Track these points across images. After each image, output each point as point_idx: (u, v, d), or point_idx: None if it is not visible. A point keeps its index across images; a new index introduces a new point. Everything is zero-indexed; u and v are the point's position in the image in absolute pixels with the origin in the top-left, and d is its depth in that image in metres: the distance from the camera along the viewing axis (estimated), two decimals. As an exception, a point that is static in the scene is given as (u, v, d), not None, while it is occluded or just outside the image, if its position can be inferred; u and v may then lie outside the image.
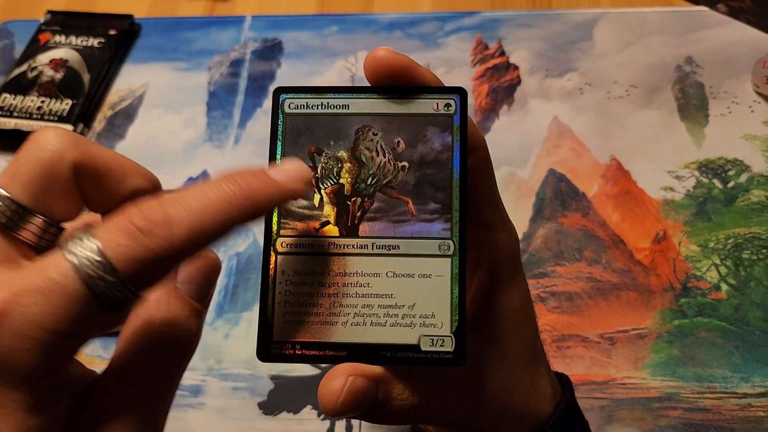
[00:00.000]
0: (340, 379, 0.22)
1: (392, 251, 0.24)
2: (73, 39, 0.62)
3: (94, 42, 0.61)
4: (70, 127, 0.55)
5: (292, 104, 0.25)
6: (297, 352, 0.24)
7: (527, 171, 0.53)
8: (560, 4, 0.63)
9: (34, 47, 0.61)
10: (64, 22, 0.64)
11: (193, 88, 0.60)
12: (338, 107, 0.25)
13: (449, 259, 0.24)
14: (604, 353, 0.44)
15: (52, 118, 0.56)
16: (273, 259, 0.24)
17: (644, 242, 0.49)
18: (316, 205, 0.24)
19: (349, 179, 0.24)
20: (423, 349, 0.23)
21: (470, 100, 0.57)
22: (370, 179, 0.24)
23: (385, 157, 0.25)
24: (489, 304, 0.26)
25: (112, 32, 0.62)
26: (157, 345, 0.20)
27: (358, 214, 0.24)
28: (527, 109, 0.56)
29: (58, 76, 0.59)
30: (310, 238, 0.24)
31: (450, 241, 0.24)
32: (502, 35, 0.61)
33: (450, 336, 0.23)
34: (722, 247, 0.48)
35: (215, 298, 0.48)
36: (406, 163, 0.25)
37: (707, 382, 0.43)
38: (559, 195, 0.51)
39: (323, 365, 0.44)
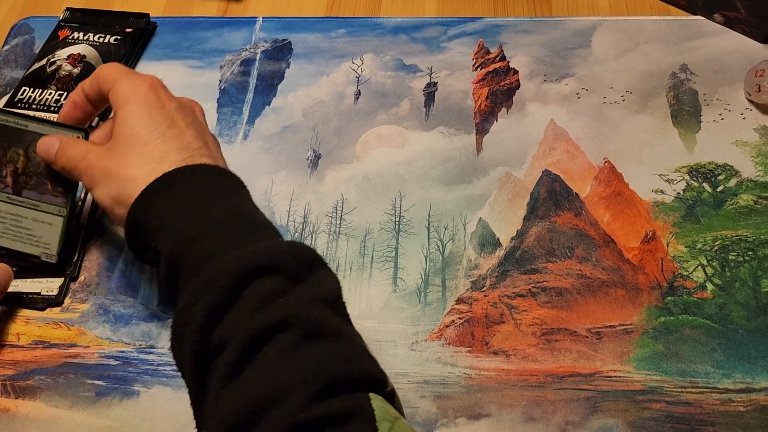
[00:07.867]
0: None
1: (36, 207, 0.49)
2: (90, 36, 0.64)
3: (110, 39, 0.64)
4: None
5: None
6: None
7: (523, 171, 0.55)
8: (560, 11, 0.65)
9: (53, 43, 0.64)
10: (83, 19, 0.66)
11: (204, 85, 0.62)
12: (22, 125, 0.49)
13: (62, 218, 0.49)
14: (591, 347, 0.46)
15: (69, 111, 0.58)
16: None
17: (634, 242, 0.50)
18: (5, 176, 0.49)
19: (21, 166, 0.49)
20: (42, 259, 0.50)
21: (470, 102, 0.59)
22: (32, 167, 0.48)
23: (38, 157, 0.48)
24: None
25: (129, 30, 0.64)
26: None
27: (24, 185, 0.49)
28: (525, 112, 0.58)
29: (76, 71, 0.61)
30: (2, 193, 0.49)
31: (64, 208, 0.49)
32: (503, 40, 0.63)
33: (55, 255, 0.49)
34: (709, 248, 0.50)
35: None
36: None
37: (690, 377, 0.44)
38: (552, 195, 0.53)
39: None
